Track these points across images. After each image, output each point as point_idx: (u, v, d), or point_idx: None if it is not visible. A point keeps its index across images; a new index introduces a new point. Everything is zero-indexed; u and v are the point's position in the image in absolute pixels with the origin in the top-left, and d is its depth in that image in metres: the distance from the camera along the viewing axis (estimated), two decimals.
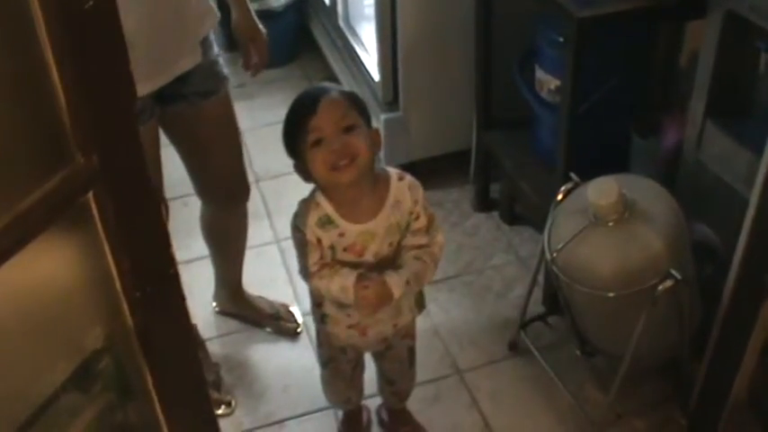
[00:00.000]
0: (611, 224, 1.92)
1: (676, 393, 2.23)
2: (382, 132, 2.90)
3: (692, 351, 2.10)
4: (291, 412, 2.30)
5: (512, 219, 2.90)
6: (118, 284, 1.11)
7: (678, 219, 1.95)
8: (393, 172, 1.80)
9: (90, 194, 1.02)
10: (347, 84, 3.31)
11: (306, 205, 1.75)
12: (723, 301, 1.92)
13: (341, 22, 3.32)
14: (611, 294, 1.93)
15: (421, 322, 2.46)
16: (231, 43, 3.93)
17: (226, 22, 3.51)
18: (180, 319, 1.24)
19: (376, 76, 2.96)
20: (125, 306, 1.14)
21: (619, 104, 2.35)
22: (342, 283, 1.72)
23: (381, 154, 2.99)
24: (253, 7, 3.52)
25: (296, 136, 1.68)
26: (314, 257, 1.74)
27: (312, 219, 1.72)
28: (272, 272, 2.78)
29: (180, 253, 2.82)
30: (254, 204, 3.06)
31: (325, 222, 1.72)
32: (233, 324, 2.57)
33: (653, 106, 2.44)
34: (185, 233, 2.89)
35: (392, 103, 2.92)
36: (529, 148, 2.67)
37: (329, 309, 1.86)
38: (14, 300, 1.01)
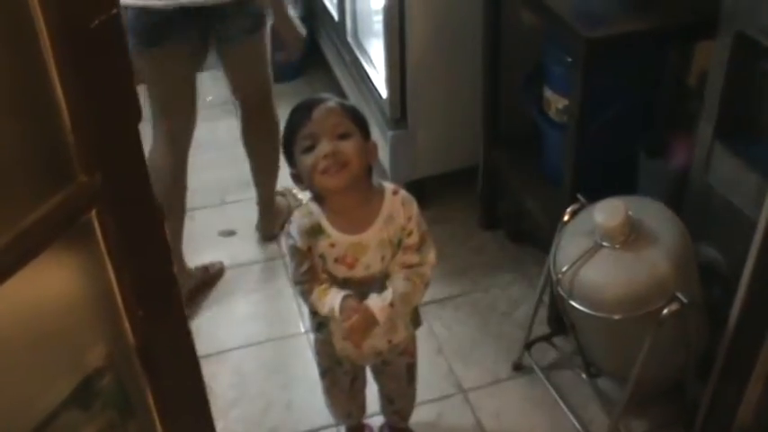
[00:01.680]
0: (617, 246, 1.91)
1: (681, 417, 2.21)
2: (389, 149, 2.92)
3: (698, 374, 2.09)
4: (294, 429, 2.29)
5: (518, 237, 2.89)
6: (120, 302, 1.11)
7: (685, 241, 1.94)
8: (388, 186, 1.80)
9: (93, 212, 1.02)
10: (355, 100, 3.30)
11: (299, 213, 1.77)
12: (729, 325, 1.90)
13: (349, 38, 3.32)
14: (616, 317, 1.92)
15: (425, 341, 2.47)
16: None
17: None
18: (182, 338, 1.23)
19: (384, 92, 2.95)
20: (127, 324, 1.13)
21: (627, 124, 2.34)
22: (330, 304, 1.74)
23: (386, 169, 2.99)
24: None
25: (293, 142, 1.72)
26: (303, 266, 1.75)
27: (304, 227, 1.73)
28: (278, 286, 2.77)
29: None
30: None
31: (317, 231, 1.73)
32: (236, 339, 2.56)
33: (661, 126, 2.43)
34: (192, 249, 2.90)
35: (400, 120, 2.91)
36: (536, 167, 2.66)
37: (325, 318, 1.86)
38: (16, 316, 1.01)
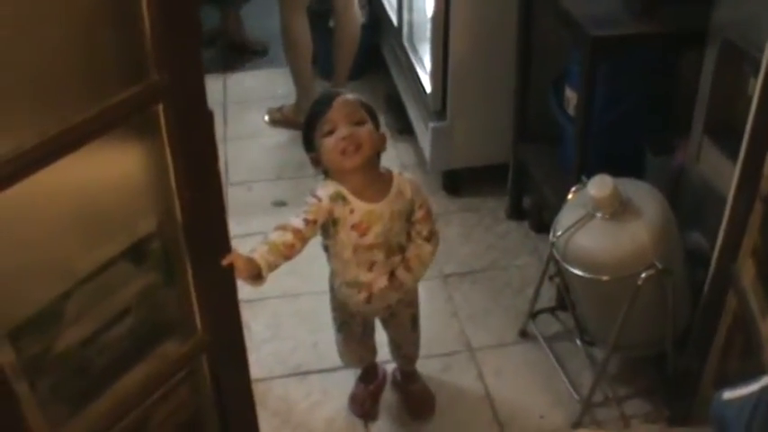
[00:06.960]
0: (606, 216, 2.18)
1: (663, 385, 2.44)
2: (429, 139, 3.24)
3: (681, 348, 2.32)
4: (317, 366, 2.61)
5: (540, 227, 3.15)
6: (173, 183, 1.43)
7: (666, 217, 2.20)
8: (394, 170, 2.13)
9: (160, 106, 1.35)
10: (404, 94, 3.63)
11: (323, 183, 2.07)
12: (700, 302, 2.16)
13: (405, 42, 3.66)
14: (604, 278, 2.18)
15: (443, 305, 2.77)
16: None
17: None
18: (219, 224, 1.54)
19: (428, 88, 3.27)
20: (176, 202, 1.45)
21: (636, 122, 2.60)
22: (269, 237, 1.92)
23: (426, 158, 3.28)
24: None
25: (313, 128, 2.04)
26: (310, 215, 1.97)
27: (329, 192, 2.02)
28: (316, 248, 3.03)
29: (239, 228, 3.17)
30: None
31: (339, 198, 2.01)
32: (276, 291, 2.85)
33: (668, 126, 2.67)
34: (246, 214, 3.23)
35: (440, 113, 3.23)
36: (556, 161, 2.94)
37: (338, 282, 2.19)
38: (91, 180, 1.32)
